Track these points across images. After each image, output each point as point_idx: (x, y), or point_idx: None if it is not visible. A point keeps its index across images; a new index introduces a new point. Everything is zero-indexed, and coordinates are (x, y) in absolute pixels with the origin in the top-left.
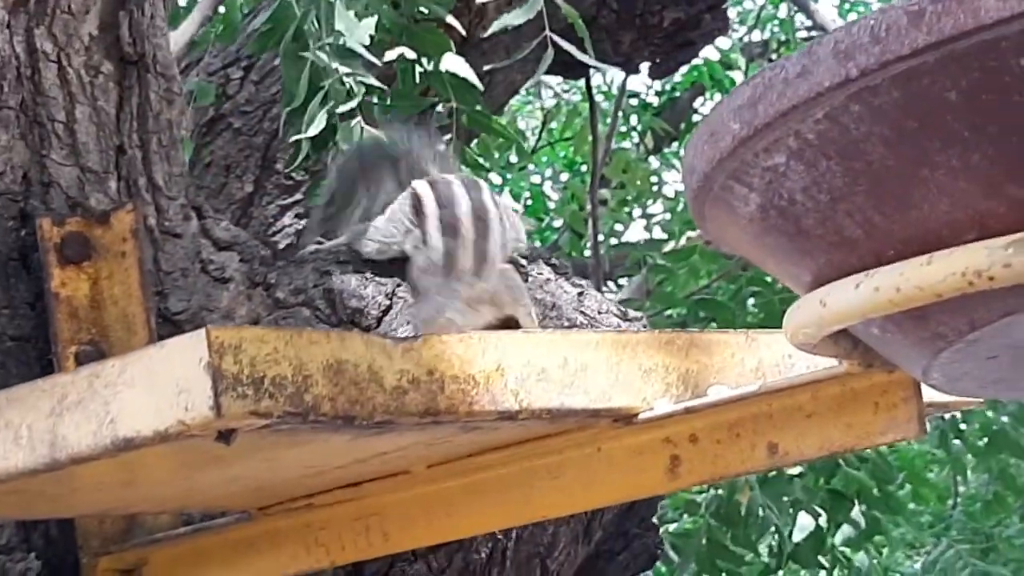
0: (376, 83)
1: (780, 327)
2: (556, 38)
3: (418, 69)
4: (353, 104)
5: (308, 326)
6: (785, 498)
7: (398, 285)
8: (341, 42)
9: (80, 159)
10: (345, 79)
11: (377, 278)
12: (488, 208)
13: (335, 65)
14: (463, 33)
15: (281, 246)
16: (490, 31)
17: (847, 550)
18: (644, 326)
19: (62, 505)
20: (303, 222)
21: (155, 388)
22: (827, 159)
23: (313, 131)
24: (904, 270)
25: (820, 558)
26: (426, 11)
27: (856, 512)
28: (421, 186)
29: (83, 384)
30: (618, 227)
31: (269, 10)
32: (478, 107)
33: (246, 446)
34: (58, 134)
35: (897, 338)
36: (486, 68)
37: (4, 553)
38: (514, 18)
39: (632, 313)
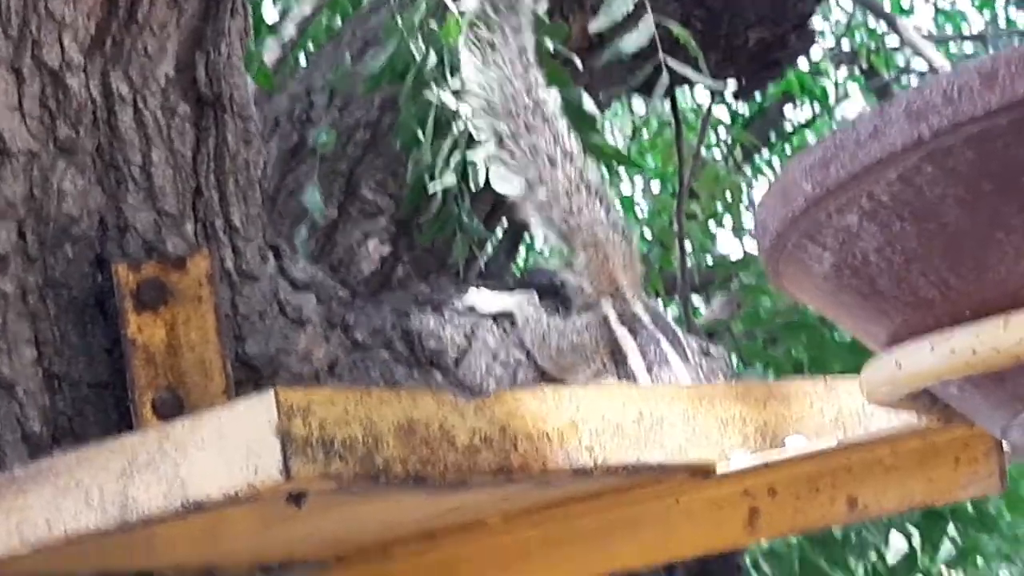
0: (504, 128)
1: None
2: (672, 62)
3: None
4: (487, 153)
5: (386, 368)
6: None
7: (476, 325)
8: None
9: (157, 203)
10: (471, 126)
11: (456, 319)
12: None
13: (460, 109)
14: (579, 67)
15: (365, 272)
16: (604, 59)
17: (944, 569)
18: (725, 362)
19: (138, 560)
20: (387, 248)
21: (225, 450)
22: (901, 220)
23: (447, 183)
24: (980, 332)
25: None
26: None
27: (951, 529)
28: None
29: (153, 445)
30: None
31: (384, 50)
32: (596, 137)
33: (318, 505)
34: (134, 178)
35: (976, 398)
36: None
37: None
38: (628, 45)
39: (713, 350)
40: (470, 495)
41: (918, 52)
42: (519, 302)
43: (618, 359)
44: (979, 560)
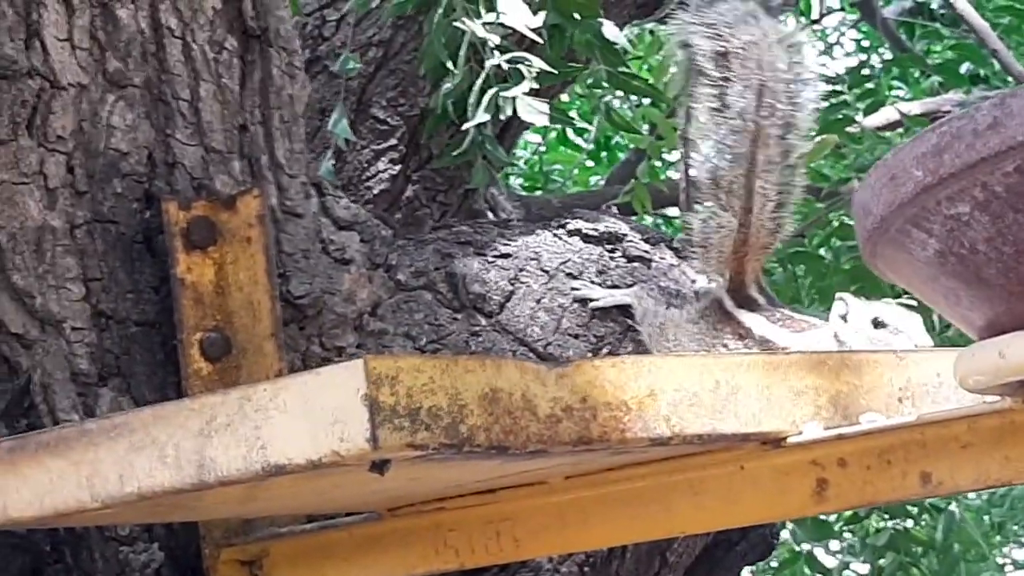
0: (546, 67)
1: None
2: None
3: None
4: (525, 88)
5: (430, 311)
6: None
7: (521, 270)
8: (499, 19)
9: (204, 139)
10: (506, 64)
11: (499, 262)
12: None
13: (491, 42)
14: None
15: (375, 191)
16: None
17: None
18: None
19: (191, 512)
20: (398, 167)
21: (309, 416)
22: (1015, 212)
23: (481, 118)
24: None
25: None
26: None
27: None
28: None
29: (233, 406)
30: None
31: None
32: (623, 68)
33: (396, 470)
34: (183, 113)
35: None
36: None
37: (127, 544)
38: None
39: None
40: (545, 461)
41: None
42: (636, 293)
43: (742, 333)
44: None
